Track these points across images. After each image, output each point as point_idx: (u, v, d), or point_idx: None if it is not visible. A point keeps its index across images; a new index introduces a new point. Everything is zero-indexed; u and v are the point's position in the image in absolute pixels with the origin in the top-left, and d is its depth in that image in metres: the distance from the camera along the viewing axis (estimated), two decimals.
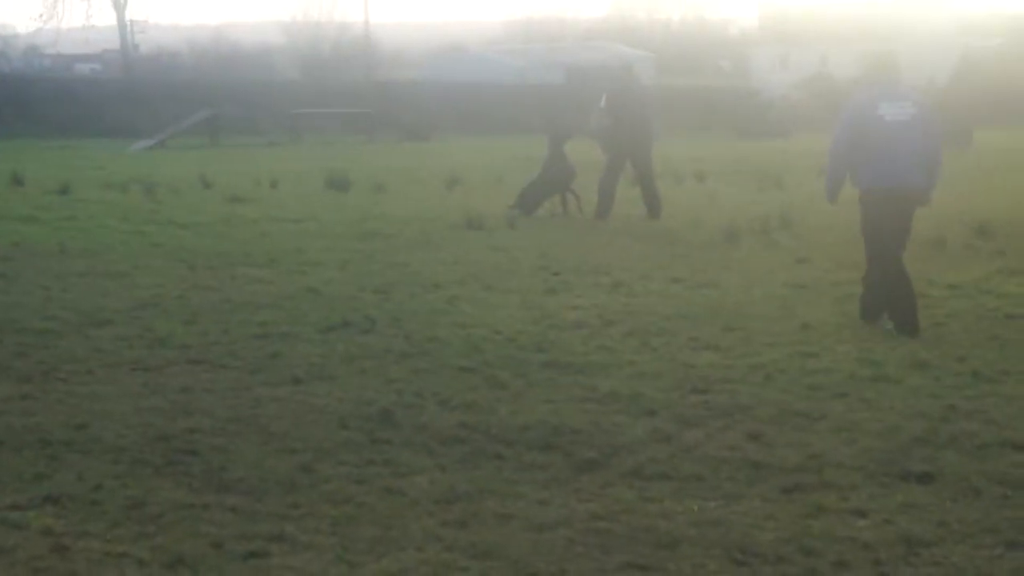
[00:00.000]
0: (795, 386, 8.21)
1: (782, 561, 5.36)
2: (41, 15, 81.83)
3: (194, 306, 11.05)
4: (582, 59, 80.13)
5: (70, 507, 5.98)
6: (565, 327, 10.23)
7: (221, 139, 39.86)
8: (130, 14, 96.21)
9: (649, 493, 6.20)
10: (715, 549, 5.49)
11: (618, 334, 9.95)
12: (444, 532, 5.69)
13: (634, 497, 6.14)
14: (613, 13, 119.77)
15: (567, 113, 34.29)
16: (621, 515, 5.89)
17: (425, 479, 6.41)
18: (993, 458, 6.68)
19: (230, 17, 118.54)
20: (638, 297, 11.62)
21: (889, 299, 10.04)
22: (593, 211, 17.44)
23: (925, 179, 9.97)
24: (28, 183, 22.34)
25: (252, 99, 48.45)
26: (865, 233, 10.23)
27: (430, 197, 20.66)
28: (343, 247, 14.59)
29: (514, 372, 8.65)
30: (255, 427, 7.33)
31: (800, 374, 8.54)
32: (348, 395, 8.03)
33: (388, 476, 6.45)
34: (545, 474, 6.51)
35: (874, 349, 9.26)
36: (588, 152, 18.70)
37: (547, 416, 7.54)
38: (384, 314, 10.72)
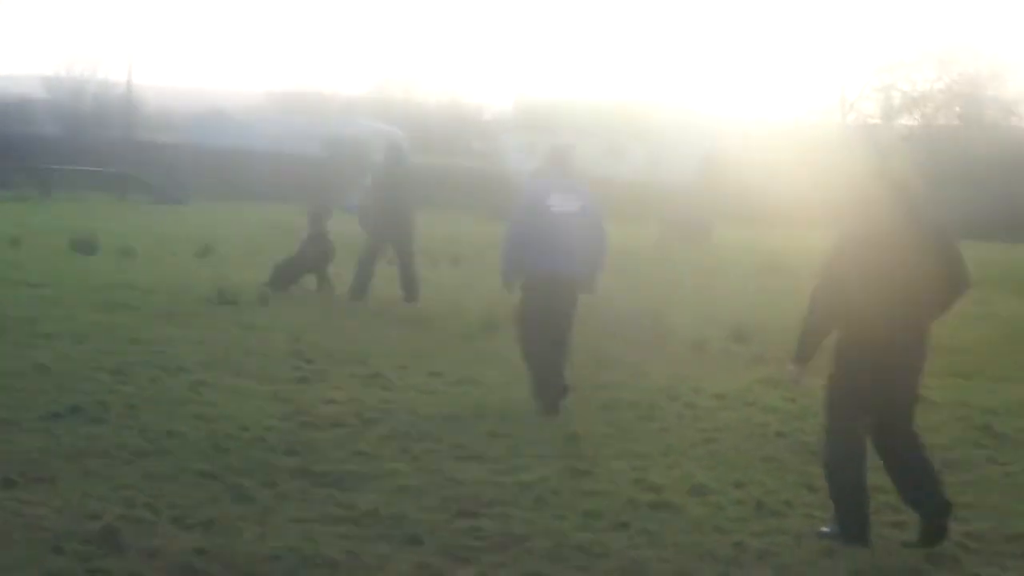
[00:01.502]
0: (571, 512, 7.20)
1: None
2: None
3: None
4: (340, 132, 79.10)
5: None
6: (320, 425, 9.04)
7: None
8: None
9: None
10: None
11: (376, 437, 8.81)
12: None
13: None
14: (373, 91, 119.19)
15: (327, 189, 33.11)
16: None
17: None
18: None
19: None
20: (396, 391, 10.51)
21: (538, 382, 10.14)
22: (348, 291, 16.27)
23: (586, 267, 10.22)
24: None
25: (5, 152, 45.60)
26: (524, 314, 10.30)
27: (181, 265, 19.16)
28: (83, 318, 13.06)
29: (262, 480, 7.43)
30: None
31: (575, 496, 7.54)
32: (68, 504, 6.68)
33: None
34: None
35: (648, 468, 8.32)
36: (348, 228, 17.57)
37: (298, 542, 6.34)
38: (119, 400, 9.36)
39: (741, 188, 51.68)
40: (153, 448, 8.02)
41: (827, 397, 7.05)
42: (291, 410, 9.45)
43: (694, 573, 6.27)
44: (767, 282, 21.26)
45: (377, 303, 15.92)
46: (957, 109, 63.71)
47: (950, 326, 9.21)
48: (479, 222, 36.49)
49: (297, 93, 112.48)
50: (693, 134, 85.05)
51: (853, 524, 6.84)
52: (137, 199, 39.76)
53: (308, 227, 17.06)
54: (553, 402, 10.02)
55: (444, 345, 13.00)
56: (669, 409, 10.40)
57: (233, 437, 8.46)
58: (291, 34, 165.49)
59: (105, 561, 5.87)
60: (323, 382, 10.69)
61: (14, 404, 8.97)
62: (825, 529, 6.98)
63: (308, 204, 17.48)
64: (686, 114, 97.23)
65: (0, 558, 5.83)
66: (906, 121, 68.76)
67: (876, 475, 7.13)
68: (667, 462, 8.57)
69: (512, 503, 7.28)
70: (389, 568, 6.06)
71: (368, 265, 16.22)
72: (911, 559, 6.69)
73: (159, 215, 32.24)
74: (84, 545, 6.06)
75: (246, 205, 41.06)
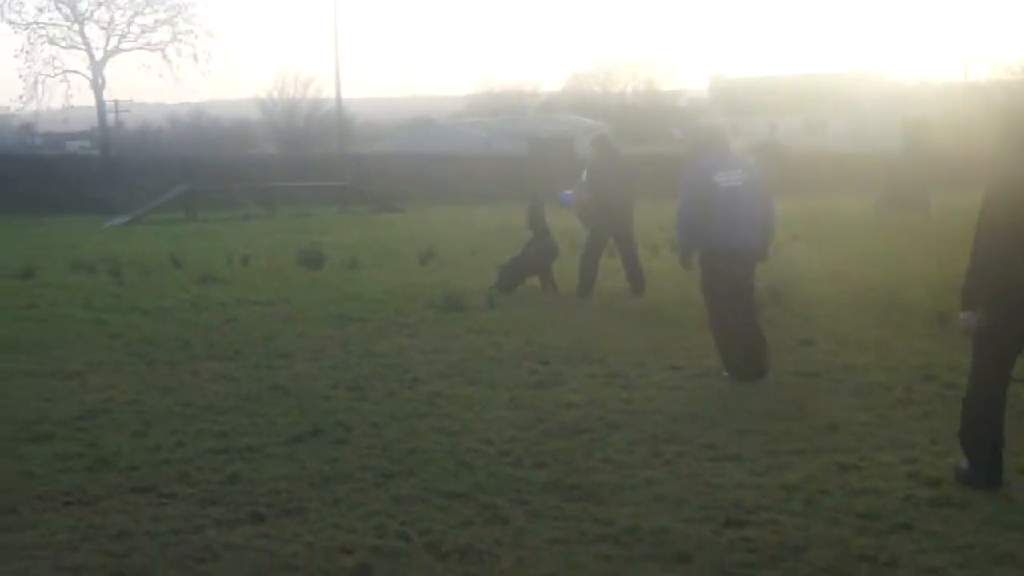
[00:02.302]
0: (845, 514, 6.51)
1: None
2: (21, 96, 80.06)
3: (148, 412, 9.30)
4: (543, 130, 79.07)
5: None
6: (563, 432, 8.51)
7: (198, 214, 38.03)
8: (111, 94, 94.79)
9: None
10: None
11: (623, 441, 8.23)
12: None
13: None
14: (570, 86, 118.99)
15: (538, 186, 32.59)
16: None
17: None
18: None
19: (212, 95, 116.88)
20: (637, 390, 9.91)
21: (733, 349, 10.25)
22: (575, 289, 15.75)
23: (759, 238, 10.30)
24: None
25: (229, 173, 46.58)
26: (705, 290, 10.42)
27: (405, 273, 18.94)
28: (315, 333, 12.84)
29: (512, 498, 6.93)
30: None
31: (846, 496, 6.84)
32: (319, 539, 6.29)
33: None
34: None
35: (919, 459, 7.57)
36: (567, 224, 17.08)
37: (560, 567, 5.82)
38: (359, 418, 8.99)
39: (944, 152, 49.51)
40: (398, 469, 7.60)
41: (976, 345, 7.00)
42: (532, 418, 8.96)
43: None
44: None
45: (604, 298, 15.38)
46: None
47: None
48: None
49: (497, 95, 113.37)
50: (890, 102, 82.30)
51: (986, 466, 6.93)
52: (357, 210, 40.14)
53: (528, 226, 16.58)
54: (762, 368, 10.17)
55: (679, 337, 12.36)
56: (927, 391, 9.59)
57: (477, 452, 7.99)
58: (485, 36, 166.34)
59: None
60: (560, 385, 10.18)
61: (256, 429, 8.68)
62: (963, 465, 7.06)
63: (529, 205, 16.90)
64: (881, 82, 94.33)
65: None
66: None
67: None
68: (937, 451, 7.79)
69: (780, 508, 6.63)
70: None
71: (591, 260, 15.69)
72: None
73: (379, 225, 32.32)
74: None
75: (460, 209, 41.12)
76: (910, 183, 35.24)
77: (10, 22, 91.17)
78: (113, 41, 75.08)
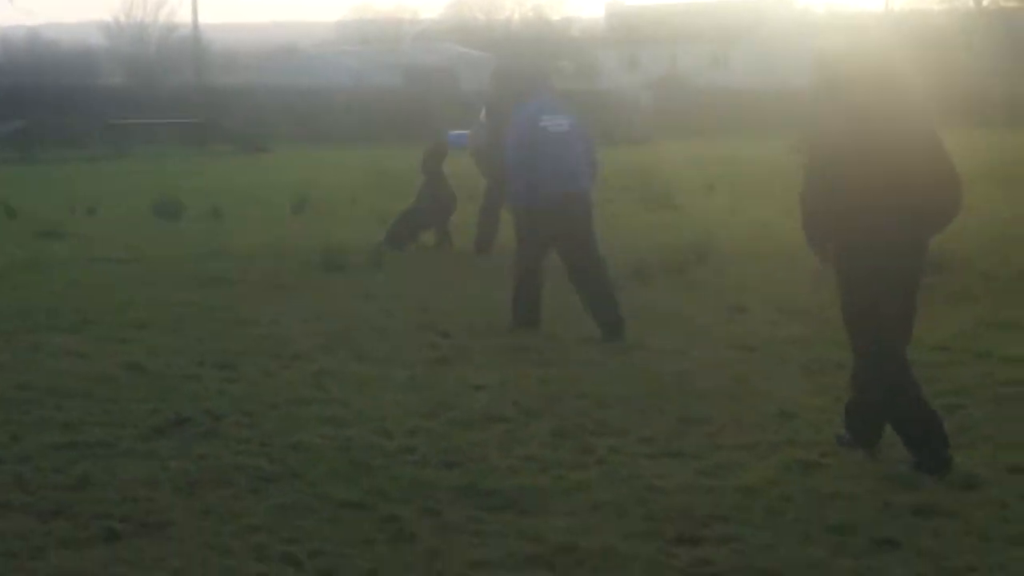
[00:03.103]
0: (816, 528, 6.00)
1: None
2: None
3: None
4: (423, 61, 77.93)
5: None
6: (472, 422, 7.92)
7: (35, 153, 36.64)
8: None
9: None
10: None
11: (545, 433, 7.67)
12: None
13: None
14: (449, 13, 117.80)
15: (441, 123, 31.77)
16: None
17: None
18: None
19: (48, 17, 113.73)
20: (554, 368, 9.37)
21: (520, 298, 10.92)
22: (473, 244, 15.16)
23: (589, 181, 10.84)
24: None
25: (70, 107, 45.00)
26: (530, 239, 10.88)
27: (275, 225, 18.20)
28: (175, 299, 12.08)
29: (419, 507, 6.32)
30: None
31: (814, 504, 6.34)
32: (186, 564, 5.62)
33: None
34: None
35: (890, 455, 7.09)
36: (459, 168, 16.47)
37: None
38: (231, 404, 8.32)
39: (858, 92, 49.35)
40: (279, 470, 6.95)
41: (845, 321, 7.01)
42: (435, 403, 8.35)
43: None
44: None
45: (506, 256, 14.75)
46: None
47: None
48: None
49: (369, 21, 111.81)
50: (799, 33, 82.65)
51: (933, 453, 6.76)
52: (217, 150, 39.09)
53: (422, 170, 15.90)
54: (616, 331, 10.45)
55: None
56: None
57: (373, 447, 7.37)
58: None
59: None
60: (465, 362, 9.60)
61: (108, 419, 7.97)
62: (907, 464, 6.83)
63: (424, 145, 16.22)
64: (790, 11, 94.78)
65: None
66: None
67: None
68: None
69: (738, 519, 6.11)
70: None
71: (491, 213, 15.12)
72: None
73: (243, 167, 31.35)
74: None
75: (333, 149, 40.17)
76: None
77: None
78: None
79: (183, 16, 78.00)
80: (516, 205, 10.91)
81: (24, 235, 16.74)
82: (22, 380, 8.95)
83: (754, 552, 5.70)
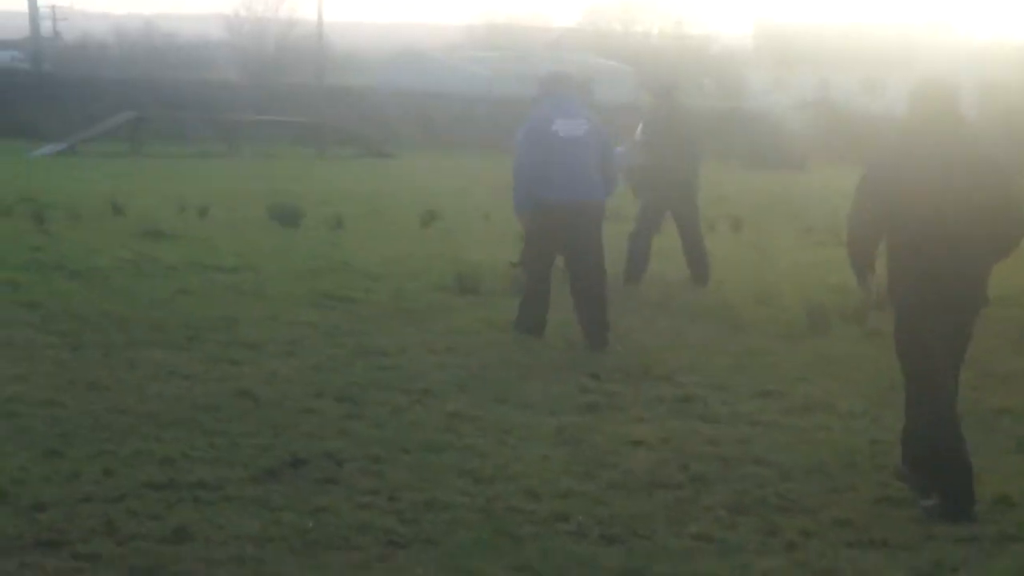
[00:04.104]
0: None
1: None
2: None
3: (67, 420, 7.97)
4: (558, 71, 77.34)
5: None
6: (636, 488, 7.18)
7: (145, 146, 36.58)
8: None
9: None
10: None
11: (720, 506, 6.91)
12: None
13: None
14: (586, 22, 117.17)
15: None
16: None
17: None
18: None
19: (167, 7, 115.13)
20: (723, 424, 8.60)
21: (526, 307, 11.24)
22: (622, 274, 14.40)
23: (602, 191, 11.04)
24: None
25: (184, 101, 45.05)
26: (528, 243, 11.25)
27: (402, 238, 17.58)
28: (291, 317, 11.48)
29: None
30: None
31: None
32: None
33: None
34: None
35: None
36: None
37: None
38: (354, 446, 7.67)
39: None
40: (411, 533, 6.27)
41: (896, 348, 7.25)
42: (589, 460, 7.64)
43: None
44: None
45: (658, 287, 14.02)
46: None
47: None
48: (739, 171, 34.39)
49: (500, 27, 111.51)
50: (961, 61, 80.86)
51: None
52: (337, 154, 38.75)
53: None
54: (601, 339, 10.83)
55: (764, 349, 11.04)
56: None
57: (519, 511, 6.66)
58: None
59: None
60: (619, 411, 8.86)
61: (213, 455, 7.36)
62: (927, 503, 6.94)
63: None
64: (950, 38, 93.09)
65: None
66: None
67: None
68: None
69: None
70: None
71: (643, 239, 14.36)
72: None
73: (365, 172, 30.87)
74: None
75: (459, 158, 39.63)
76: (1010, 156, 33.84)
77: None
78: None
79: (304, 13, 78.15)
80: (517, 212, 11.06)
81: (129, 235, 16.29)
82: (119, 403, 8.39)
83: None
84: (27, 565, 5.68)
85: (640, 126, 14.73)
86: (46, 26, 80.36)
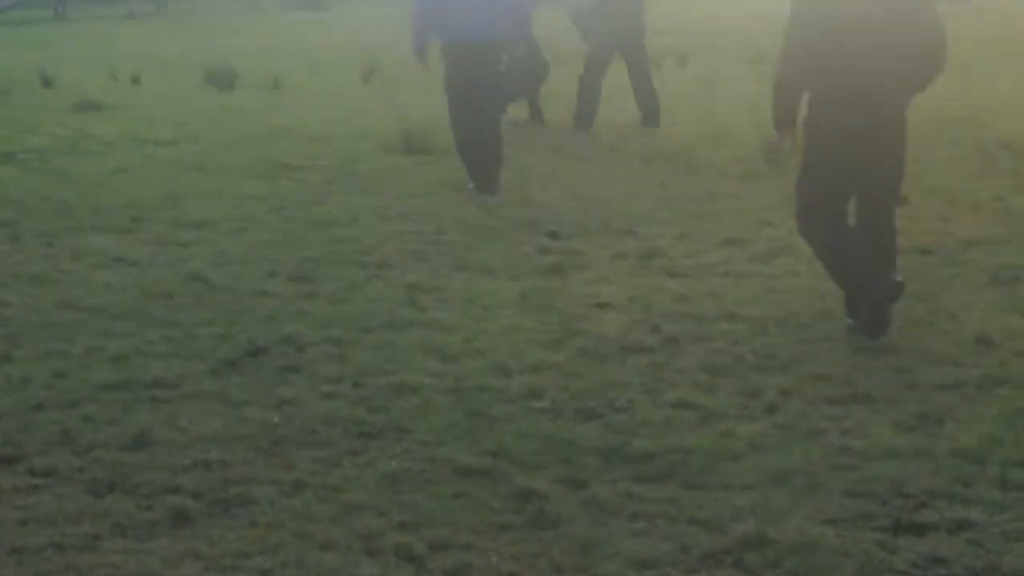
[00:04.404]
0: None
1: None
2: None
3: (11, 320, 7.71)
4: None
5: None
6: (608, 354, 7.00)
7: (70, 10, 35.69)
8: None
9: None
10: None
11: (697, 367, 6.75)
12: None
13: None
14: None
15: None
16: None
17: None
18: None
19: None
20: (691, 279, 8.43)
21: (473, 161, 11.15)
22: (573, 119, 14.14)
23: (502, 29, 11.07)
24: None
25: None
26: (447, 87, 11.25)
27: (344, 96, 17.22)
28: (237, 190, 11.20)
29: (562, 478, 5.42)
30: None
31: None
32: (275, 567, 4.75)
33: None
34: None
35: None
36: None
37: None
38: (314, 328, 7.45)
39: None
40: (383, 423, 6.06)
41: (799, 177, 7.41)
42: (557, 326, 7.46)
43: None
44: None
45: (610, 132, 13.78)
46: None
47: None
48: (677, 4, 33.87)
49: None
50: None
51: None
52: (269, 5, 37.92)
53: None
54: (493, 183, 10.94)
55: (724, 193, 10.84)
56: None
57: (491, 391, 6.47)
58: None
59: None
60: (582, 270, 8.68)
61: (169, 350, 7.15)
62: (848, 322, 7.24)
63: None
64: None
65: None
66: None
67: None
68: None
69: (964, 496, 5.16)
70: None
71: (593, 82, 14.08)
72: None
73: (299, 25, 30.22)
74: None
75: (395, 4, 38.74)
76: None
77: None
78: None
79: None
80: (415, 51, 11.45)
81: (62, 109, 15.89)
82: (65, 296, 8.14)
83: (996, 544, 4.77)
84: None
85: None
86: None
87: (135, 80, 18.71)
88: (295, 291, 8.23)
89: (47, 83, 18.27)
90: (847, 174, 7.20)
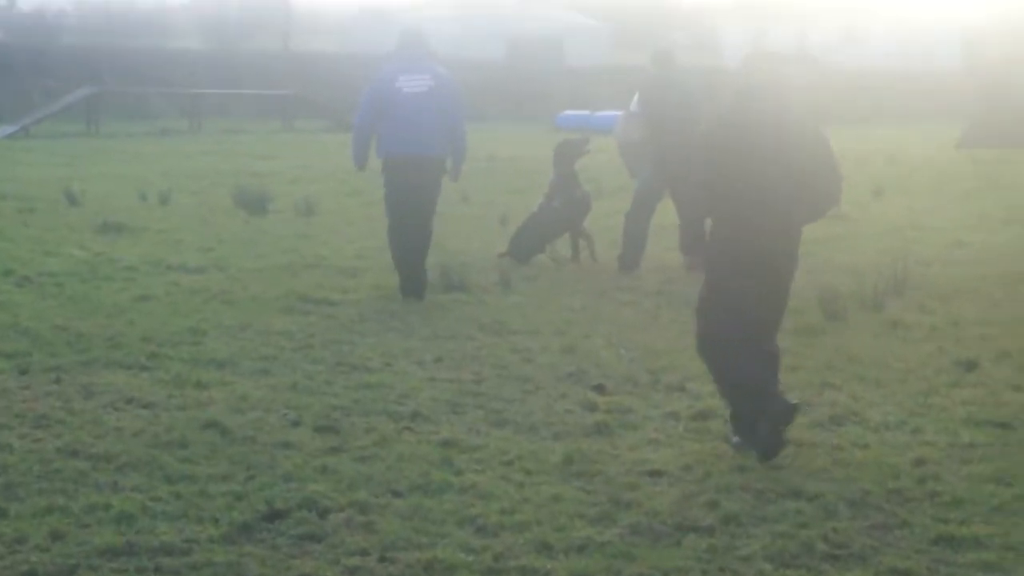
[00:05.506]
0: None
1: None
2: None
3: (10, 470, 7.14)
4: (528, 29, 76.09)
5: None
6: (661, 532, 6.42)
7: (103, 125, 35.56)
8: None
9: None
10: None
11: (761, 556, 6.16)
12: None
13: None
14: None
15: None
16: None
17: None
18: None
19: None
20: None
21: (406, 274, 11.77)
22: (617, 259, 13.64)
23: (443, 148, 11.77)
24: None
25: (144, 72, 43.92)
26: (387, 200, 11.95)
27: (379, 223, 16.55)
28: (263, 325, 10.67)
29: None
30: None
31: None
32: None
33: None
34: None
35: None
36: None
37: None
38: (339, 490, 6.89)
39: (1016, 74, 47.31)
40: None
41: (700, 299, 7.82)
42: (604, 498, 6.88)
43: None
44: None
45: (658, 275, 13.25)
46: None
47: None
48: None
49: None
50: (945, 7, 79.81)
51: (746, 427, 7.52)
52: (306, 127, 37.83)
53: (553, 168, 14.39)
54: (417, 291, 11.61)
55: (782, 349, 10.23)
56: None
57: (534, 573, 5.90)
58: None
59: None
60: (632, 430, 8.12)
61: (180, 509, 6.57)
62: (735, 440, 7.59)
63: (557, 145, 14.74)
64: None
65: None
66: None
67: None
68: None
69: None
70: None
71: (641, 221, 13.60)
72: None
73: (336, 149, 29.93)
74: None
75: None
76: (1008, 112, 32.79)
77: None
78: None
79: None
80: (356, 165, 12.07)
81: (86, 229, 15.47)
82: (71, 441, 7.60)
83: None
84: None
85: (636, 96, 13.93)
86: None
87: (163, 200, 18.30)
88: (319, 444, 7.67)
89: (72, 201, 17.89)
90: (747, 298, 7.57)
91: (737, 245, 7.58)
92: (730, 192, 7.56)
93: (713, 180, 7.61)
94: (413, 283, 11.65)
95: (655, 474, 7.28)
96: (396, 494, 6.86)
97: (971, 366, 9.68)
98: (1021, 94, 33.97)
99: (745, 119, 7.66)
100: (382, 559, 6.01)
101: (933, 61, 65.16)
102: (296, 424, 8.05)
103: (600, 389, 9.02)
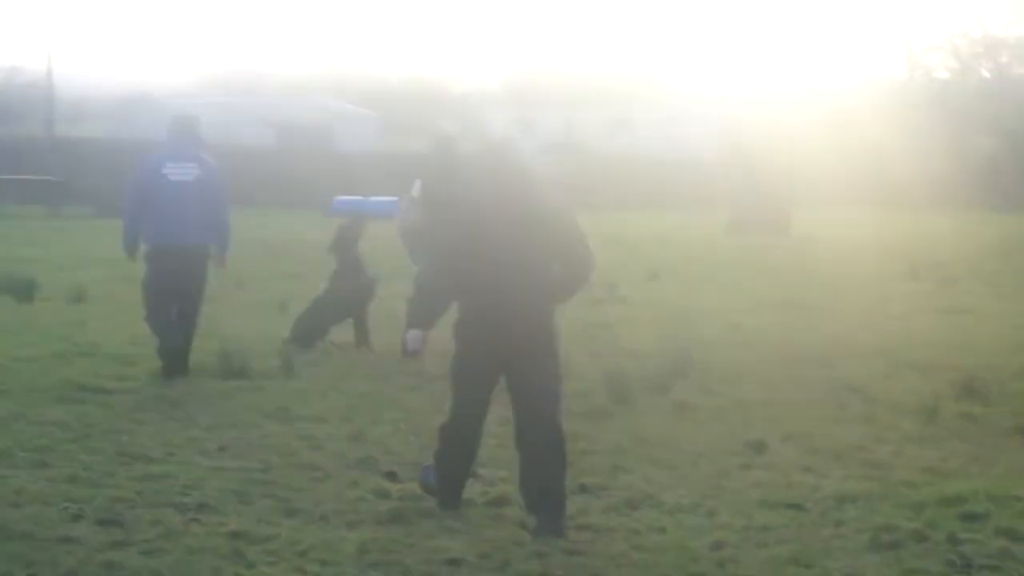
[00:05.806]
0: None
1: None
2: None
3: None
4: (298, 117, 75.71)
5: None
6: None
7: None
8: None
9: None
10: None
11: None
12: None
13: None
14: (324, 70, 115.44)
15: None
16: None
17: None
18: None
19: None
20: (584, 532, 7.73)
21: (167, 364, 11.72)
22: (400, 346, 13.46)
23: (209, 236, 11.93)
24: None
25: None
26: (145, 288, 11.94)
27: None
28: (39, 416, 10.23)
29: None
30: None
31: None
32: None
33: None
34: None
35: None
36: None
37: None
38: None
39: (774, 164, 48.76)
40: None
41: (450, 372, 8.09)
42: None
43: None
44: (916, 293, 18.65)
45: (444, 359, 13.09)
46: None
47: None
48: None
49: (236, 74, 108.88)
50: (712, 103, 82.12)
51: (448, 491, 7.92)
52: (72, 213, 36.99)
53: (335, 255, 14.23)
54: (177, 367, 11.64)
55: (570, 431, 10.16)
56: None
57: None
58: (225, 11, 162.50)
59: None
60: (426, 517, 7.94)
61: None
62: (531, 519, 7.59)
63: (340, 224, 14.59)
64: (693, 80, 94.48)
65: None
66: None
67: None
68: None
69: None
70: None
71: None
72: None
73: (105, 235, 29.21)
74: None
75: None
76: (768, 198, 34.00)
77: None
78: None
79: (28, 60, 75.18)
80: (126, 252, 12.01)
81: None
82: None
83: None
84: None
85: (416, 183, 13.84)
86: None
87: None
88: (103, 539, 7.32)
89: None
90: (492, 378, 7.90)
91: (482, 325, 7.68)
92: (472, 275, 7.64)
93: (454, 264, 7.74)
94: (175, 365, 11.67)
95: (453, 563, 7.13)
96: None
97: (760, 447, 9.76)
98: (778, 183, 35.12)
99: (478, 206, 7.81)
100: None
101: (695, 151, 66.60)
102: (77, 518, 7.69)
103: (392, 476, 8.86)
